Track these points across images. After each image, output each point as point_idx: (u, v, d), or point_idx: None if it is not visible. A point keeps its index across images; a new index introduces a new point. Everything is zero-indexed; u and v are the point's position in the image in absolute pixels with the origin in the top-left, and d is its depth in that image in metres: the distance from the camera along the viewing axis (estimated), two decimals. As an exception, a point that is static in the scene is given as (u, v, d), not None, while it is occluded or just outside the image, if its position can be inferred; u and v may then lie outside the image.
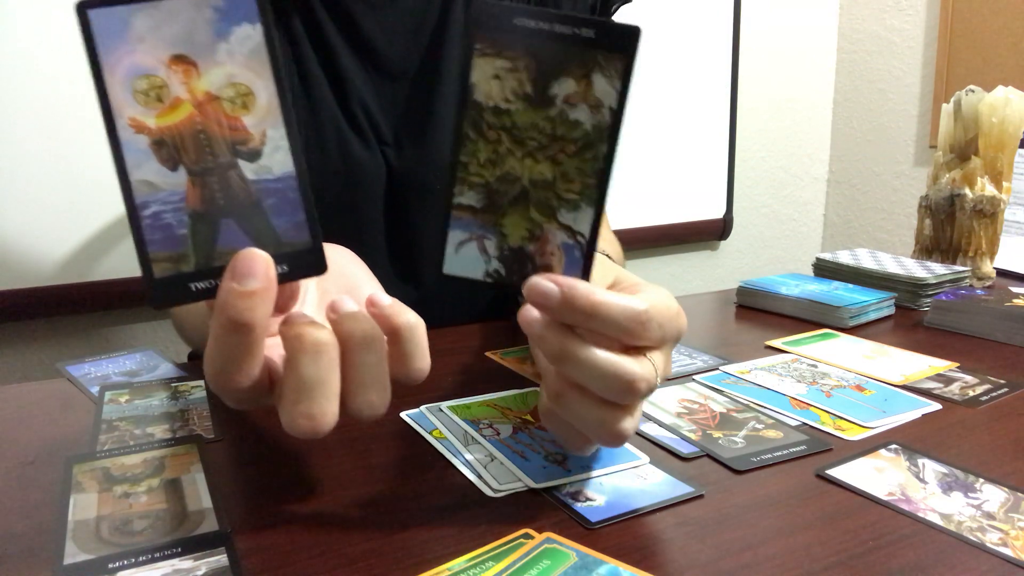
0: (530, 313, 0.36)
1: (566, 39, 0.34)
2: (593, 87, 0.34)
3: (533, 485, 0.41)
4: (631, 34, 0.34)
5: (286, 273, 0.34)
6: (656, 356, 0.38)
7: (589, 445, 0.41)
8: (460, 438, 0.47)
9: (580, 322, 0.35)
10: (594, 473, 0.43)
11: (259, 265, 0.32)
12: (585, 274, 0.37)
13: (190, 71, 0.32)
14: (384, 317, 0.36)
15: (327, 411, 0.34)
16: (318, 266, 0.35)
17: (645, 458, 0.45)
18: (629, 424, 0.38)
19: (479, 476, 0.43)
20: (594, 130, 0.35)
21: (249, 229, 0.34)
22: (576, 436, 0.39)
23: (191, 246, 0.33)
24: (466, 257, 0.36)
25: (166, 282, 0.33)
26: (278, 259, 0.33)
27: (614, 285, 0.42)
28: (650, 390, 0.37)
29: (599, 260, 0.38)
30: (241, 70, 0.32)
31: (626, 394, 0.36)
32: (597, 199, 0.35)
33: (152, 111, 0.32)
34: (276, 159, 0.33)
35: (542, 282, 0.35)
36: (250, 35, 0.32)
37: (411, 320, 0.37)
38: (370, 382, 0.35)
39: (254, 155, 0.33)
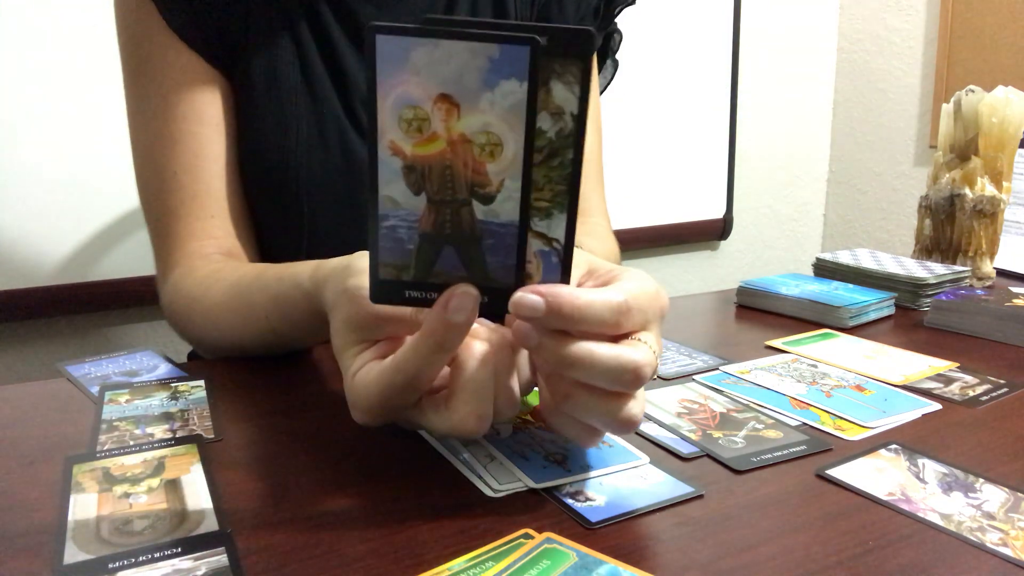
0: (523, 327, 0.38)
1: None
2: (552, 95, 0.35)
3: (533, 485, 0.41)
4: (585, 37, 0.34)
5: (484, 305, 0.37)
6: (647, 336, 0.39)
7: (600, 437, 0.42)
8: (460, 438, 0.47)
9: (568, 326, 0.37)
10: (594, 473, 0.43)
11: (470, 303, 0.36)
12: (565, 278, 0.38)
13: (452, 111, 0.34)
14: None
15: (490, 411, 0.38)
16: (508, 309, 0.38)
17: (645, 458, 0.45)
18: (637, 409, 0.39)
19: (479, 476, 0.43)
20: (558, 137, 0.35)
21: (465, 259, 0.37)
22: (587, 431, 0.41)
23: (414, 261, 0.37)
24: None
25: (387, 284, 0.37)
26: (482, 291, 0.37)
27: (589, 274, 0.43)
28: (654, 372, 0.38)
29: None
30: (497, 121, 0.34)
31: (633, 382, 0.37)
32: (569, 204, 0.37)
33: (411, 139, 0.34)
34: (505, 207, 0.36)
35: (527, 296, 0.37)
36: (515, 91, 0.33)
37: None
38: (509, 382, 0.40)
39: (488, 199, 0.36)
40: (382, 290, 0.38)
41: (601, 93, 0.87)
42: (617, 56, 0.89)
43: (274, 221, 0.72)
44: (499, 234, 0.36)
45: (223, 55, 0.68)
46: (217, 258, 0.67)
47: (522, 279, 0.37)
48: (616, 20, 0.85)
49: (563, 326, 0.37)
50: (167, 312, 0.69)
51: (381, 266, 0.37)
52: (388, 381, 0.38)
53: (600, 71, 0.87)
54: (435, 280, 0.37)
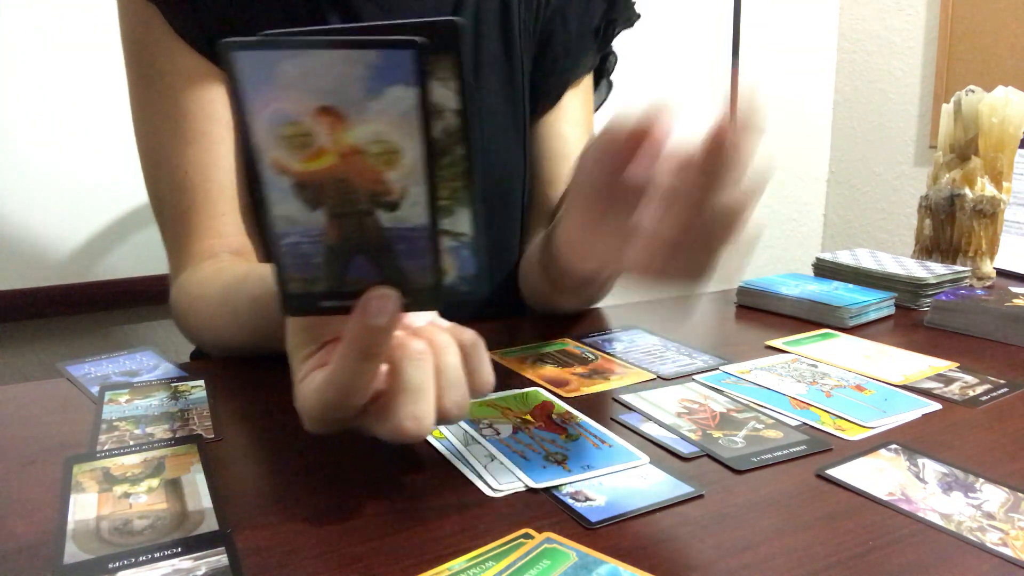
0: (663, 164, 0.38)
1: None
2: (430, 95, 0.33)
3: (533, 485, 0.41)
4: (452, 28, 0.32)
5: (407, 305, 0.36)
6: None
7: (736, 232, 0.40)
8: (460, 438, 0.47)
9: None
10: (594, 473, 0.43)
11: (389, 305, 0.35)
12: (480, 268, 0.37)
13: (336, 123, 0.32)
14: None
15: (429, 413, 0.37)
16: (435, 304, 0.37)
17: (645, 458, 0.45)
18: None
19: (479, 476, 0.43)
20: (445, 136, 0.34)
21: (378, 265, 0.35)
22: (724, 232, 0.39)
23: (324, 273, 0.35)
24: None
25: (298, 296, 0.36)
26: (402, 293, 0.35)
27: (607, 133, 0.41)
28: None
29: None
30: (390, 129, 0.32)
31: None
32: (469, 199, 0.35)
33: (296, 156, 0.33)
34: (413, 212, 0.34)
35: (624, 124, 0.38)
36: (403, 96, 0.32)
37: (471, 337, 0.40)
38: (455, 383, 0.38)
39: (392, 206, 0.34)
40: (293, 303, 0.36)
41: (596, 110, 0.88)
42: (612, 75, 0.90)
43: None
44: (410, 238, 0.35)
45: None
46: (225, 257, 0.68)
47: (440, 277, 0.36)
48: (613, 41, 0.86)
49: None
50: (172, 310, 0.69)
51: (289, 280, 0.35)
52: (323, 397, 0.37)
53: (596, 90, 0.88)
54: (349, 288, 0.35)
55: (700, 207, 0.38)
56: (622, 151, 0.40)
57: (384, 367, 0.38)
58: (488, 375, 0.40)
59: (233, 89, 0.31)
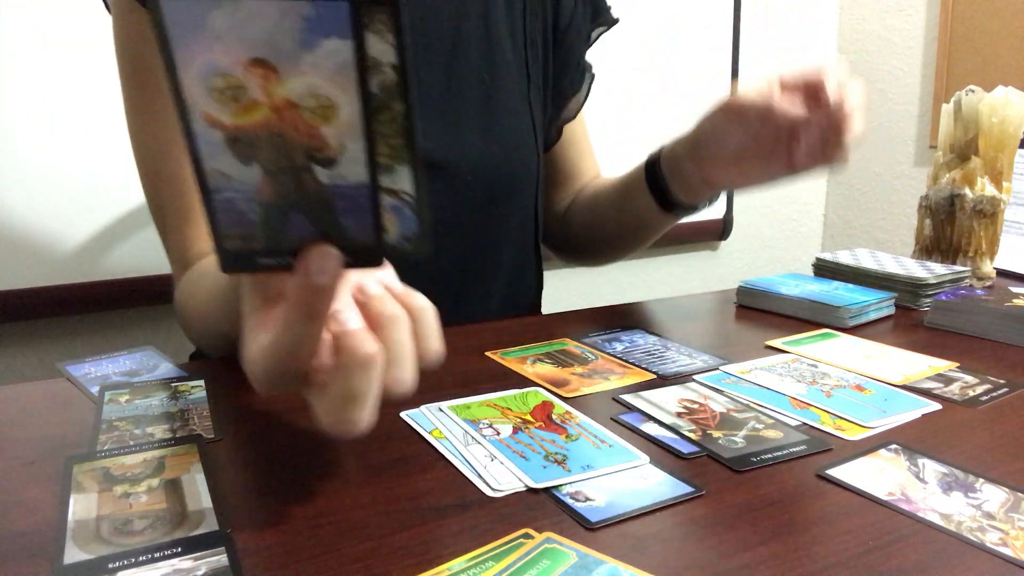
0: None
1: None
2: (366, 48, 0.31)
3: (533, 485, 0.41)
4: None
5: (348, 264, 0.35)
6: None
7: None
8: (460, 438, 0.47)
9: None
10: (594, 473, 0.43)
11: (331, 262, 0.34)
12: (423, 228, 0.36)
13: (269, 76, 0.31)
14: (399, 300, 0.38)
15: (368, 416, 0.36)
16: (377, 261, 0.36)
17: (645, 458, 0.45)
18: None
19: (479, 476, 0.43)
20: (382, 92, 0.32)
21: (317, 223, 0.34)
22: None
23: (261, 230, 0.34)
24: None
25: (235, 253, 0.35)
26: (343, 250, 0.34)
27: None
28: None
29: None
30: (325, 83, 0.31)
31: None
32: (410, 157, 0.34)
33: (228, 109, 0.32)
34: (352, 169, 0.33)
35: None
36: (339, 50, 0.31)
37: (422, 304, 0.38)
38: (399, 359, 0.37)
39: (329, 163, 0.33)
40: (231, 260, 0.35)
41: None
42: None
43: None
44: (351, 196, 0.34)
45: None
46: None
47: (381, 235, 0.35)
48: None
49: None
50: (175, 314, 0.69)
51: (224, 237, 0.34)
52: (266, 358, 0.36)
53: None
54: (288, 246, 0.35)
55: (831, 122, 0.60)
56: (779, 105, 0.62)
57: (328, 336, 0.36)
58: (436, 344, 0.38)
59: (161, 40, 0.30)
